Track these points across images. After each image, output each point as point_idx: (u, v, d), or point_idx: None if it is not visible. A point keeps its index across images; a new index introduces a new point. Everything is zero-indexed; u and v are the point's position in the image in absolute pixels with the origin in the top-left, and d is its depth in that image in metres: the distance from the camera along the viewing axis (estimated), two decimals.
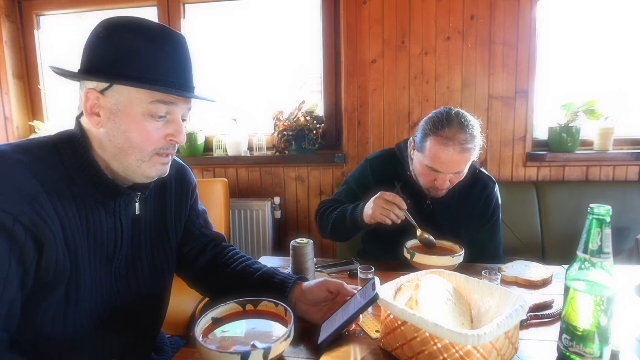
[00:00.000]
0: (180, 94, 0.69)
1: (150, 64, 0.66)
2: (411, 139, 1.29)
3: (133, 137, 0.68)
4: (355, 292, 0.83)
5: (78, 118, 0.72)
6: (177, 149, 0.75)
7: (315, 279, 0.88)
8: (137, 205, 0.79)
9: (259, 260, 0.99)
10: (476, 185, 1.31)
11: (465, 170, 1.19)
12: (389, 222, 1.12)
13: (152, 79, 0.66)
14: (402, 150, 1.36)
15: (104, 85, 0.66)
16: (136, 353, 0.85)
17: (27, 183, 0.61)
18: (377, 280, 0.79)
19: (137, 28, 0.67)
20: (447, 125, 1.12)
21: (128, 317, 0.80)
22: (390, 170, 1.34)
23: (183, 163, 0.94)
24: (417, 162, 1.22)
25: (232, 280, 0.91)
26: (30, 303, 0.64)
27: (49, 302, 0.66)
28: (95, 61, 0.67)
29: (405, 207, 1.12)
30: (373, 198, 1.15)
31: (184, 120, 0.75)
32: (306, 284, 0.87)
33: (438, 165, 1.14)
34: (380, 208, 1.11)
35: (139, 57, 0.66)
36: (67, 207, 0.66)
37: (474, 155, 1.16)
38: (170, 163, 0.76)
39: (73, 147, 0.70)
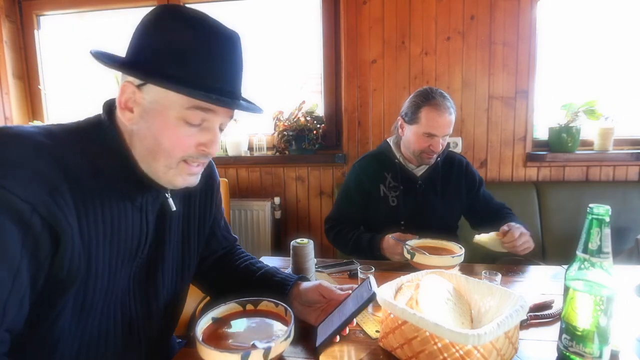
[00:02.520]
0: (222, 102, 0.61)
1: (194, 64, 0.60)
2: (398, 121, 1.43)
3: (163, 141, 0.63)
4: (350, 292, 0.82)
5: (107, 104, 0.67)
6: (208, 159, 0.70)
7: (314, 280, 0.88)
8: (171, 201, 0.73)
9: (260, 260, 0.99)
10: (453, 163, 1.49)
11: (450, 132, 1.37)
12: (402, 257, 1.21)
13: (193, 81, 0.59)
14: (383, 147, 1.50)
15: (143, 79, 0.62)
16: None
17: (48, 169, 0.56)
18: (372, 278, 0.79)
19: (188, 20, 0.60)
20: (434, 96, 1.31)
21: (140, 322, 0.75)
22: (378, 165, 1.47)
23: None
24: (412, 133, 1.37)
25: (234, 280, 0.91)
26: (40, 305, 0.60)
27: (61, 305, 0.62)
28: (139, 52, 0.62)
29: (408, 238, 1.22)
30: (384, 243, 1.24)
31: (221, 130, 0.69)
32: (303, 284, 0.85)
33: (434, 129, 1.31)
34: (397, 255, 1.21)
35: (183, 54, 0.60)
36: (88, 199, 0.61)
37: (455, 119, 1.36)
38: (199, 175, 0.70)
39: (100, 135, 0.65)
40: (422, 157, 1.37)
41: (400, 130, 1.43)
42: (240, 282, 0.89)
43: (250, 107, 0.69)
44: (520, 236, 1.14)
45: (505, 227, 1.16)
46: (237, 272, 0.92)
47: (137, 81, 0.62)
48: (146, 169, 0.66)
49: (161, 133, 0.63)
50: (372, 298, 0.73)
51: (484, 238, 1.18)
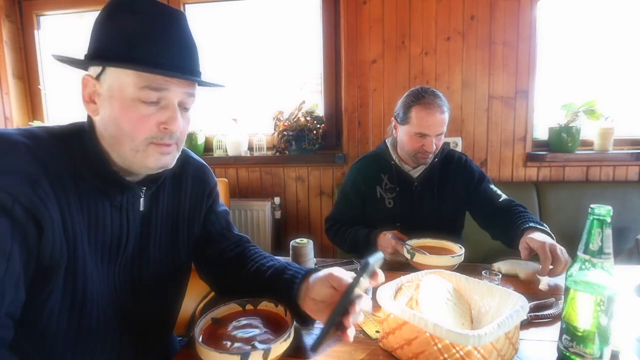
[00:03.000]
0: (168, 74, 0.63)
1: (142, 45, 0.62)
2: (392, 122, 1.42)
3: (122, 124, 0.64)
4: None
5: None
6: (176, 138, 0.69)
7: (325, 270, 0.75)
8: (142, 200, 0.75)
9: (274, 258, 0.90)
10: (452, 160, 1.46)
11: (445, 132, 1.34)
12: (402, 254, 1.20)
13: (142, 59, 0.62)
14: (382, 147, 1.50)
15: (99, 70, 0.65)
16: (143, 358, 0.82)
17: (27, 165, 0.60)
18: (379, 254, 0.67)
19: (130, 6, 0.63)
20: (425, 95, 1.30)
21: (131, 320, 0.76)
22: (374, 166, 1.46)
23: (203, 162, 0.90)
24: (404, 134, 1.35)
25: (248, 281, 0.84)
26: (30, 291, 0.62)
27: (48, 290, 0.64)
28: (93, 46, 0.65)
29: (403, 242, 1.19)
30: (380, 241, 1.26)
31: (185, 109, 0.70)
32: (312, 277, 0.74)
33: (425, 128, 1.28)
34: (389, 250, 1.21)
35: (131, 38, 0.62)
36: (70, 196, 0.64)
37: (448, 118, 1.33)
38: (173, 154, 0.70)
39: (81, 137, 0.68)
40: (417, 157, 1.35)
41: (394, 131, 1.42)
42: (254, 284, 0.83)
43: (204, 81, 0.69)
44: (557, 265, 0.99)
45: (537, 268, 1.02)
46: (249, 274, 0.85)
47: (95, 72, 0.65)
48: (117, 159, 0.68)
49: (120, 116, 0.64)
50: (364, 267, 0.63)
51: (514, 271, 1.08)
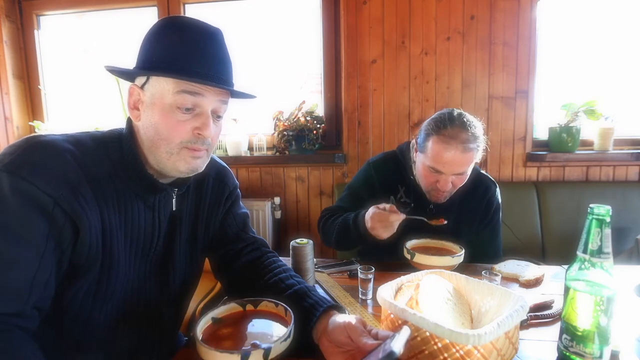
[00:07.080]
0: (204, 82, 0.68)
1: (182, 57, 0.68)
2: (413, 141, 1.28)
3: (161, 129, 0.70)
4: (379, 341, 0.64)
5: (129, 117, 0.76)
6: (208, 144, 0.73)
7: (345, 315, 0.73)
8: (174, 201, 0.81)
9: (291, 274, 0.88)
10: (478, 188, 1.31)
11: (468, 172, 1.17)
12: (393, 231, 1.09)
13: (180, 69, 0.67)
14: (403, 152, 1.35)
15: (143, 80, 0.71)
16: (154, 350, 0.86)
17: (71, 171, 0.64)
18: (403, 331, 0.61)
19: (175, 25, 0.70)
20: (449, 125, 1.11)
21: (152, 313, 0.82)
22: (393, 173, 1.33)
23: (225, 165, 0.95)
24: (419, 163, 1.21)
25: (263, 293, 0.82)
26: (62, 283, 0.67)
27: (80, 284, 0.69)
28: (141, 59, 0.72)
29: (401, 216, 1.08)
30: (369, 215, 1.10)
31: (218, 117, 0.75)
32: (332, 319, 0.72)
33: (440, 165, 1.12)
34: (381, 225, 1.08)
35: (170, 49, 0.68)
36: (108, 197, 0.69)
37: (477, 156, 1.15)
38: (203, 159, 0.75)
39: (120, 142, 0.74)
40: (430, 194, 1.21)
41: (413, 154, 1.25)
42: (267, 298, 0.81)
43: (237, 91, 0.75)
44: None
45: None
46: (265, 287, 0.84)
47: (140, 82, 0.71)
48: (153, 162, 0.73)
49: (159, 121, 0.70)
50: (389, 356, 0.54)
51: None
